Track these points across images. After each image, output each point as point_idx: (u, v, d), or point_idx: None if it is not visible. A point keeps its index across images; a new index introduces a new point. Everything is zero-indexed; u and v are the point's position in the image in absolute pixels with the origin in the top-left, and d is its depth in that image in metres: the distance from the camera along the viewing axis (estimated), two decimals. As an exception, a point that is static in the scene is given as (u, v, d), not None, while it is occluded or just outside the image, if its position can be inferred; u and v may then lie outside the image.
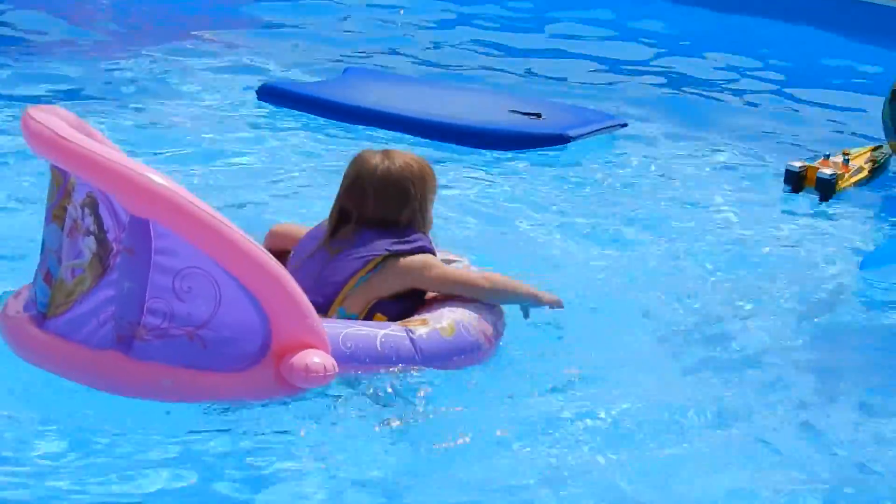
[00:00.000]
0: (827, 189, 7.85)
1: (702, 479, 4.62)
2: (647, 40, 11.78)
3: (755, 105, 10.14)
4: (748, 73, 10.94)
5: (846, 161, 8.04)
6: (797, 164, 7.96)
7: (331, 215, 5.23)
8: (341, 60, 10.36)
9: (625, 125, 8.92)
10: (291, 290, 4.64)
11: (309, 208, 6.68)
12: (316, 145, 8.28)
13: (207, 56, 10.21)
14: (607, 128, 8.78)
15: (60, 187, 4.54)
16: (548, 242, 6.83)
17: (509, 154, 8.31)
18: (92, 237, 4.55)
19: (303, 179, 7.64)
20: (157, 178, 4.46)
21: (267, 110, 8.85)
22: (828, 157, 8.08)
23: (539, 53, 11.24)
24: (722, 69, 11.02)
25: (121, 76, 9.56)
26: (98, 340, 4.60)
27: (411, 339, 4.94)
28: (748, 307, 6.19)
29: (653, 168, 8.33)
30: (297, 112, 8.81)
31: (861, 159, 8.26)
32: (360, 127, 8.58)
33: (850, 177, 8.06)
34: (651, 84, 10.53)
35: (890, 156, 8.46)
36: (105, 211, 4.52)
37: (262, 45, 10.77)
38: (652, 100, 10.01)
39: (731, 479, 4.62)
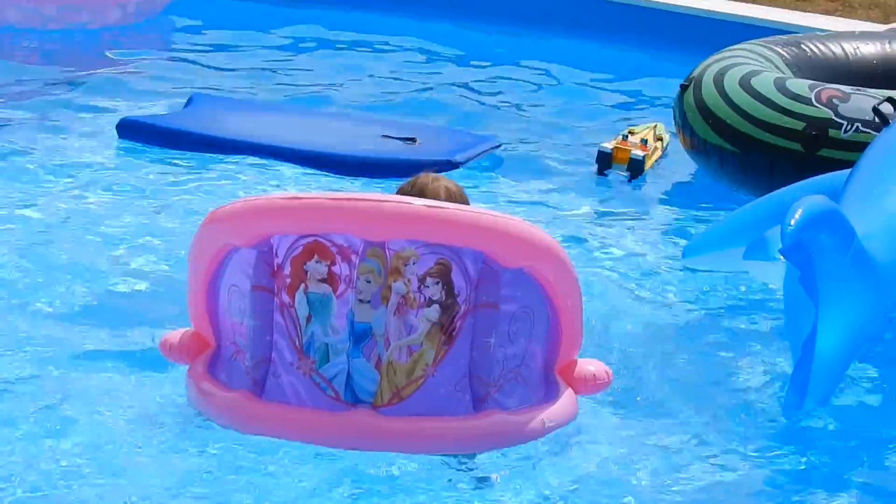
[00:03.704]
0: (637, 169, 8.30)
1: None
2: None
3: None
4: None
5: (644, 141, 8.46)
6: (608, 145, 8.36)
7: None
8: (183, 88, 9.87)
9: (499, 146, 8.70)
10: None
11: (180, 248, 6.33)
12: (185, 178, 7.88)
13: (66, 94, 9.65)
14: (487, 150, 8.51)
15: (384, 268, 4.48)
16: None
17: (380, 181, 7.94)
18: (435, 306, 4.48)
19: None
20: (526, 224, 4.58)
21: (128, 146, 8.36)
22: (625, 137, 8.47)
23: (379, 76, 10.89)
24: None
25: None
26: (463, 407, 4.57)
27: None
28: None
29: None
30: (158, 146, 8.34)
31: (649, 137, 8.62)
32: (221, 156, 8.15)
33: (652, 155, 8.53)
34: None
35: (671, 137, 8.87)
36: (458, 273, 4.47)
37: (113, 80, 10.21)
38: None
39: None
